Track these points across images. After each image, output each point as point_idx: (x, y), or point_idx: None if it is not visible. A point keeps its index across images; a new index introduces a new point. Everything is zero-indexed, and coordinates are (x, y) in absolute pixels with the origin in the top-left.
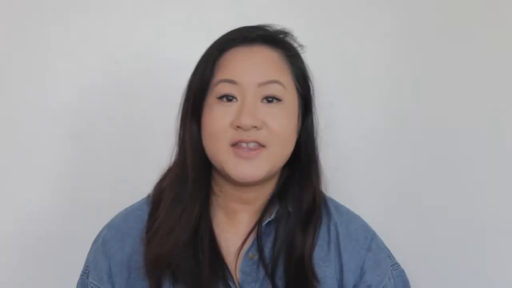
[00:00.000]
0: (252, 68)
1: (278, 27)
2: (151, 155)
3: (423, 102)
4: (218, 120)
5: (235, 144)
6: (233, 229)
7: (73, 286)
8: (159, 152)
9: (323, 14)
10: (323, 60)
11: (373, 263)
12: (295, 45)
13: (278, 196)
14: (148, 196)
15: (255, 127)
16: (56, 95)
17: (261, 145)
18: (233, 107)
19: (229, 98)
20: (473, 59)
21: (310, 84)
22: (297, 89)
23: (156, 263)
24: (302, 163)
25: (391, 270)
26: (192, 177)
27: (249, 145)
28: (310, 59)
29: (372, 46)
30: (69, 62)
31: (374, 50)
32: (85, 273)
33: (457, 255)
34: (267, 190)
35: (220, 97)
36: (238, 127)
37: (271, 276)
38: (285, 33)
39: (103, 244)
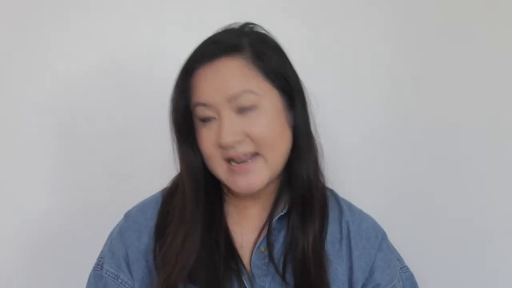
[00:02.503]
0: (218, 85)
1: (236, 25)
2: (151, 155)
3: (423, 102)
4: (205, 141)
5: (228, 161)
6: (247, 223)
7: (74, 285)
8: (159, 152)
9: (323, 14)
10: (323, 59)
11: (383, 263)
12: (260, 38)
13: (288, 188)
14: (163, 190)
15: (238, 141)
16: (56, 95)
17: (255, 154)
18: (214, 126)
19: (207, 119)
20: (473, 59)
21: (288, 76)
22: (274, 87)
23: (171, 283)
24: (300, 153)
25: (400, 273)
26: (190, 203)
27: (241, 164)
28: (310, 58)
29: (372, 46)
30: (69, 62)
31: (374, 50)
32: (98, 265)
33: (457, 255)
34: (275, 184)
35: (201, 119)
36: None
37: (281, 270)
38: (245, 31)
39: (120, 233)
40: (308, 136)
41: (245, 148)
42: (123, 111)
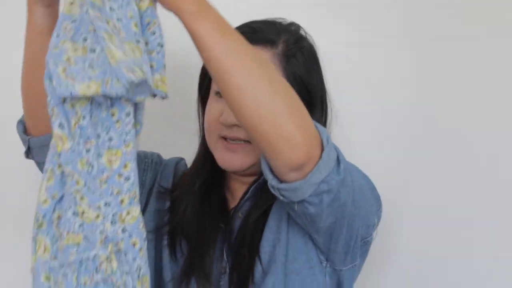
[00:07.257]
0: None
1: (282, 21)
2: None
3: (423, 102)
4: (210, 114)
5: (223, 138)
6: (235, 203)
7: None
8: (159, 151)
9: (323, 14)
10: (323, 59)
11: None
12: (298, 40)
13: None
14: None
15: (237, 125)
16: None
17: (245, 141)
18: (223, 103)
19: (220, 94)
20: (473, 59)
21: (310, 85)
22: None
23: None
24: None
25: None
26: (200, 159)
27: (233, 142)
28: None
29: (373, 46)
30: None
31: (375, 51)
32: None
33: (457, 255)
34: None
35: (215, 93)
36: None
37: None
38: (287, 30)
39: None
40: None
41: (240, 133)
42: None
